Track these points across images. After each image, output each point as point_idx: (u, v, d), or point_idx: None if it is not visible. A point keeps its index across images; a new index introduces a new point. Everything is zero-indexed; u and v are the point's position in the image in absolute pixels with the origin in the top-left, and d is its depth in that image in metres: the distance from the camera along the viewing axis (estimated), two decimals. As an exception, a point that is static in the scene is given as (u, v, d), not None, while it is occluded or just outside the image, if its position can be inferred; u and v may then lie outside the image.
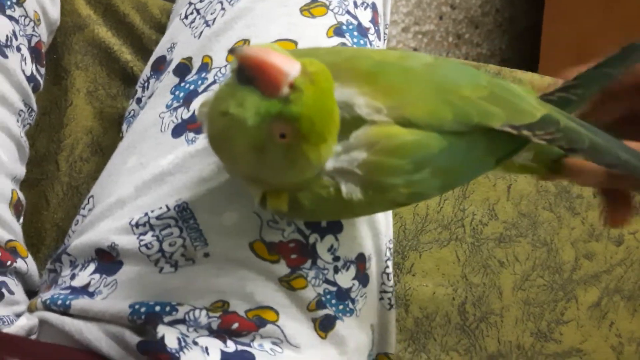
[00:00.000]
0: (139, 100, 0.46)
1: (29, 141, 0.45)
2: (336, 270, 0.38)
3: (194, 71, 0.41)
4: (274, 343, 0.36)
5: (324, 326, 0.37)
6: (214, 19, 0.41)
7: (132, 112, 0.46)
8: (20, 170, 0.44)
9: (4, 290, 0.39)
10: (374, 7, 0.43)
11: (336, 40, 0.40)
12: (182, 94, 0.40)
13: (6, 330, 0.37)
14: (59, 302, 0.37)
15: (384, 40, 0.46)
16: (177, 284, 0.36)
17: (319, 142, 0.27)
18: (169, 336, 0.34)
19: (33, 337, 0.39)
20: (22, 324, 0.38)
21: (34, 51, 0.45)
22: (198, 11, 0.43)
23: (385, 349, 0.43)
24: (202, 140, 0.38)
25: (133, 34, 0.53)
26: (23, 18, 0.44)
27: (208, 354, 0.35)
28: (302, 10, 0.40)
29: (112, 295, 0.37)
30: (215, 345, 0.35)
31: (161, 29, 0.53)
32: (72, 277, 0.39)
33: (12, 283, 0.40)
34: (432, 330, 0.52)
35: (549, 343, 0.54)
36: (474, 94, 0.31)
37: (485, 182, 0.55)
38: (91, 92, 0.52)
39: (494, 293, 0.54)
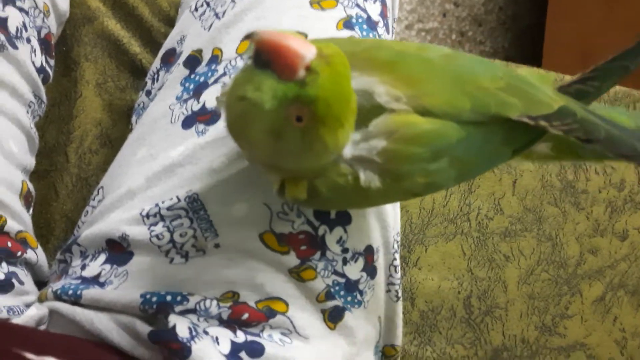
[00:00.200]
0: (148, 93, 0.46)
1: (38, 132, 0.45)
2: (345, 261, 0.38)
3: (204, 63, 0.41)
4: (283, 334, 0.37)
5: (333, 317, 0.38)
6: (224, 11, 0.42)
7: (142, 104, 0.46)
8: (30, 162, 0.44)
9: (14, 280, 0.39)
10: (382, 1, 0.43)
11: (346, 33, 0.40)
12: (192, 86, 0.41)
13: (16, 320, 0.38)
14: (70, 291, 0.38)
15: (392, 33, 0.46)
16: (187, 274, 0.36)
17: (335, 126, 0.27)
18: (181, 325, 0.35)
19: (43, 327, 0.39)
20: (32, 314, 0.38)
21: (44, 43, 0.45)
22: (208, 3, 0.43)
23: (391, 341, 0.44)
24: (212, 132, 0.38)
25: (142, 27, 0.53)
26: (33, 9, 0.44)
27: (218, 343, 0.35)
28: (312, 3, 0.40)
29: (123, 286, 0.37)
30: (225, 335, 0.35)
31: (170, 21, 0.53)
32: (83, 267, 0.39)
33: (22, 273, 0.40)
34: (438, 323, 0.53)
35: (554, 337, 0.54)
36: (491, 84, 0.31)
37: (490, 177, 0.55)
38: (100, 84, 0.52)
39: (499, 287, 0.54)
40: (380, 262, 0.40)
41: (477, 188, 0.55)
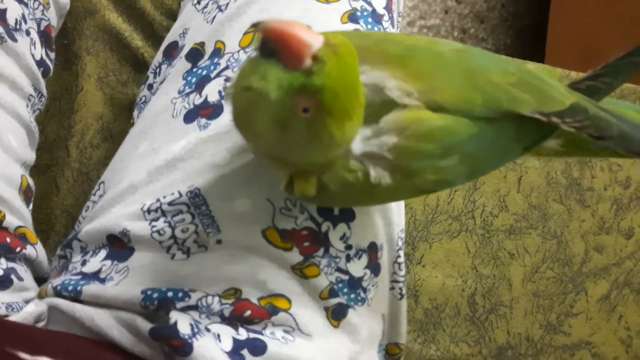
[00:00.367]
0: (150, 86, 0.45)
1: (39, 127, 0.44)
2: (348, 258, 0.37)
3: (206, 56, 0.40)
4: (285, 331, 0.36)
5: (336, 315, 0.37)
6: (227, 3, 0.41)
7: (144, 98, 0.46)
8: (30, 156, 0.43)
9: (13, 276, 0.39)
10: (388, -6, 0.43)
11: (350, 27, 0.39)
12: (194, 80, 0.40)
13: (14, 317, 0.37)
14: (70, 287, 0.37)
15: (397, 27, 0.46)
16: (189, 270, 0.36)
17: (343, 117, 0.27)
18: (182, 322, 0.34)
19: (42, 323, 0.39)
20: (31, 310, 0.38)
21: (44, 35, 0.44)
22: (211, -4, 0.43)
23: (395, 339, 0.43)
24: (214, 126, 0.38)
25: (144, 20, 0.52)
26: (32, 1, 0.43)
27: (220, 340, 0.35)
28: (316, -5, 0.40)
29: (123, 282, 0.37)
30: (227, 332, 0.35)
31: (172, 15, 0.52)
32: (83, 263, 0.39)
33: (22, 269, 0.40)
34: (442, 321, 0.52)
35: (558, 335, 0.54)
36: (503, 80, 0.31)
37: (495, 174, 0.55)
38: (102, 78, 0.52)
39: (503, 285, 0.53)
40: (384, 259, 0.40)
41: (481, 185, 0.54)
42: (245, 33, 0.39)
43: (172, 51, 0.44)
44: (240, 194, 0.36)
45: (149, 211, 0.37)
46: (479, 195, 0.54)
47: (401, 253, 0.41)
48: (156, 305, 0.35)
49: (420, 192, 0.33)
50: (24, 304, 0.39)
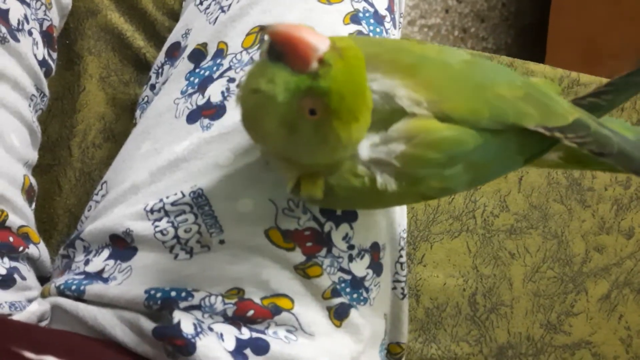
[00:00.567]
0: (152, 87, 0.45)
1: (41, 126, 0.44)
2: (351, 258, 0.38)
3: (209, 57, 0.40)
4: (288, 331, 0.36)
5: (339, 314, 0.37)
6: (230, 4, 0.41)
7: (146, 98, 0.46)
8: (33, 156, 0.43)
9: (16, 275, 0.39)
10: (390, -5, 0.43)
11: (352, 28, 0.39)
12: (197, 80, 0.40)
13: (17, 316, 0.37)
14: (73, 287, 0.37)
15: (399, 28, 0.46)
16: (192, 270, 0.36)
17: (349, 120, 0.27)
18: (185, 322, 0.34)
19: (45, 323, 0.39)
20: (34, 310, 0.38)
21: (46, 35, 0.44)
22: (213, -4, 0.43)
23: (397, 339, 0.43)
24: (217, 127, 0.38)
25: (146, 20, 0.52)
26: (35, 2, 0.43)
27: (223, 340, 0.35)
28: (318, -4, 0.40)
29: (126, 281, 0.37)
30: (230, 332, 0.35)
31: (174, 15, 0.52)
32: (86, 262, 0.39)
33: (24, 269, 0.40)
34: (443, 320, 0.52)
35: (559, 335, 0.54)
36: (510, 93, 0.31)
37: (496, 174, 0.55)
38: (104, 78, 0.52)
39: (504, 284, 0.54)
40: (387, 259, 0.40)
41: (482, 185, 0.54)
42: (248, 34, 0.39)
43: (174, 52, 0.44)
44: (243, 195, 0.36)
45: (151, 211, 0.37)
46: (479, 195, 0.54)
47: (403, 253, 0.42)
48: (159, 305, 0.35)
49: (423, 198, 0.34)
50: (27, 303, 0.39)
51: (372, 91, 0.29)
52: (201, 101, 0.39)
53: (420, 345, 0.52)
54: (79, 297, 0.37)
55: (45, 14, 0.44)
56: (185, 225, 0.36)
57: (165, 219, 0.37)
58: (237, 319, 0.36)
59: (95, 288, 0.37)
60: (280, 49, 0.26)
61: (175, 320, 0.34)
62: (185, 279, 0.36)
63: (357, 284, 0.38)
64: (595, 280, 0.55)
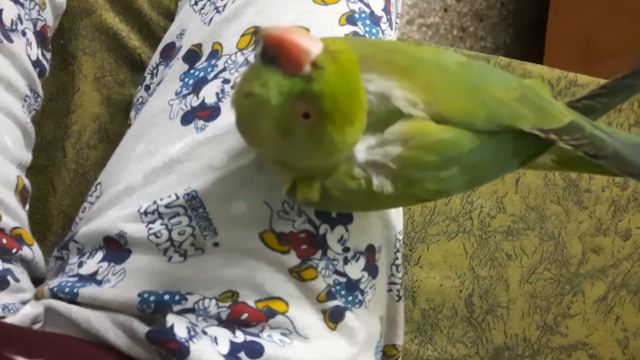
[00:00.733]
0: (147, 87, 0.45)
1: (35, 127, 0.44)
2: (346, 261, 0.37)
3: (203, 58, 0.40)
4: (283, 334, 0.36)
5: (334, 317, 0.37)
6: (225, 5, 0.41)
7: (141, 99, 0.45)
8: (26, 157, 0.43)
9: (9, 277, 0.38)
10: (386, -5, 0.42)
11: (348, 29, 0.39)
12: (191, 81, 0.40)
13: (10, 319, 0.37)
14: (67, 289, 0.37)
15: (396, 29, 0.45)
16: (186, 273, 0.36)
17: (343, 123, 0.27)
18: (179, 325, 0.34)
19: (38, 325, 0.39)
20: (27, 312, 0.38)
21: (40, 35, 0.44)
22: (208, -3, 0.43)
23: (392, 341, 0.43)
24: (211, 128, 0.38)
25: (141, 20, 0.52)
26: (28, 2, 0.43)
27: (217, 343, 0.34)
28: (314, -3, 0.40)
29: (120, 284, 0.36)
30: (224, 335, 0.35)
31: (169, 15, 0.52)
32: (80, 264, 0.38)
33: (18, 270, 0.40)
34: (439, 322, 0.52)
35: (555, 336, 0.54)
36: (505, 95, 0.31)
37: (493, 175, 0.55)
38: (98, 78, 0.51)
39: (500, 286, 0.53)
40: (382, 261, 0.40)
41: (482, 185, 0.54)
42: (242, 35, 0.39)
43: (169, 52, 0.44)
44: (237, 197, 0.36)
45: (145, 213, 0.37)
46: (476, 197, 0.54)
47: (399, 255, 0.41)
48: (153, 309, 0.35)
49: (419, 200, 0.34)
50: (21, 306, 0.38)
51: (368, 92, 0.29)
52: (196, 102, 0.39)
53: (416, 347, 0.52)
54: (73, 299, 0.37)
55: (39, 14, 0.44)
56: (179, 227, 0.36)
57: (159, 221, 0.36)
58: (231, 322, 0.35)
59: (88, 291, 0.36)
60: (273, 52, 0.26)
61: (169, 324, 0.34)
62: (179, 281, 0.36)
63: (352, 286, 0.38)
64: (592, 281, 0.55)
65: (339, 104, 0.26)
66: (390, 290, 0.42)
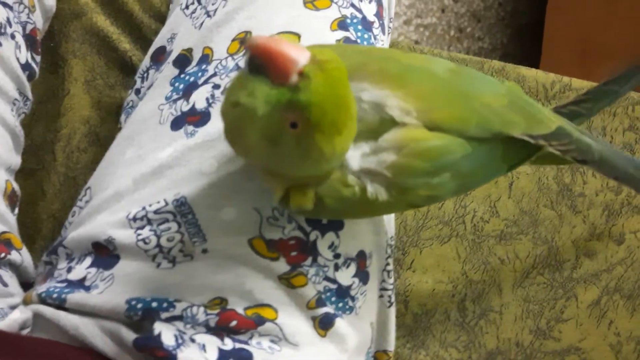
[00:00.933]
0: (138, 91, 0.45)
1: (25, 130, 0.44)
2: (336, 267, 0.37)
3: (194, 63, 0.40)
4: (272, 341, 0.36)
5: (324, 324, 0.37)
6: (215, 9, 0.41)
7: (131, 102, 0.45)
8: (15, 160, 0.43)
9: (-3, 282, 0.38)
10: (378, 1, 0.42)
11: (340, 34, 0.39)
12: (181, 86, 0.40)
13: (-1, 323, 0.37)
14: (55, 295, 0.37)
15: (388, 34, 0.45)
16: (174, 280, 0.36)
17: (332, 132, 0.27)
18: (166, 333, 0.34)
19: (27, 330, 0.38)
20: (16, 317, 0.38)
21: (29, 38, 0.44)
22: (199, 1, 0.42)
23: (384, 347, 0.43)
24: (201, 134, 0.37)
25: (132, 23, 0.52)
26: (17, 4, 0.43)
27: (205, 351, 0.34)
28: (305, 2, 0.39)
29: (108, 290, 0.36)
30: (212, 343, 0.35)
31: (161, 18, 0.52)
32: (69, 270, 0.38)
33: (7, 275, 0.40)
34: (431, 326, 0.52)
35: (548, 341, 0.54)
36: (495, 102, 0.32)
37: (487, 179, 0.55)
38: (89, 81, 0.51)
39: (493, 290, 0.53)
40: (373, 267, 0.40)
41: (472, 190, 0.54)
42: (233, 40, 0.39)
43: (160, 56, 0.44)
44: (227, 203, 0.36)
45: (134, 219, 0.37)
46: (469, 201, 0.54)
47: (390, 261, 0.41)
48: (140, 316, 0.35)
49: (410, 206, 0.35)
50: (9, 310, 0.38)
51: (361, 101, 0.30)
52: (186, 107, 0.39)
53: (408, 352, 0.52)
54: (61, 305, 0.37)
55: (28, 17, 0.44)
56: (168, 233, 0.36)
57: (147, 227, 0.36)
58: (219, 330, 0.35)
59: (76, 297, 0.36)
60: (260, 61, 0.26)
61: (156, 332, 0.34)
62: (168, 288, 0.36)
63: (342, 293, 0.38)
64: (585, 286, 0.55)
65: (326, 113, 0.26)
66: (381, 296, 0.41)
